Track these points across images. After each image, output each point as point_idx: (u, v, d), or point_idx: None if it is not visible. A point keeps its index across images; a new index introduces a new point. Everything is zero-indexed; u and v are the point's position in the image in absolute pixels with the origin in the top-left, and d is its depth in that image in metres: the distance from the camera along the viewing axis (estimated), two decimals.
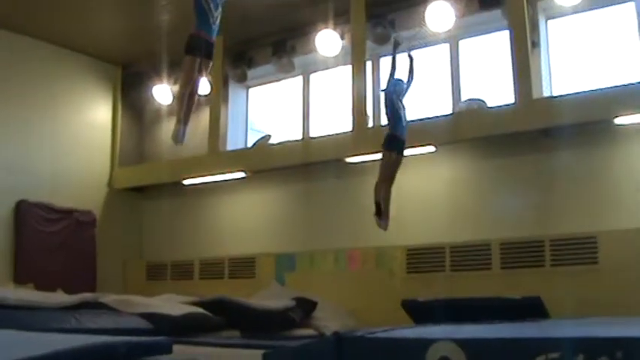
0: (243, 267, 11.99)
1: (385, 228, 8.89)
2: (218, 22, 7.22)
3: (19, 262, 11.73)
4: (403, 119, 8.71)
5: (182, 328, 8.25)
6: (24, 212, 11.88)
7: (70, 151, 12.89)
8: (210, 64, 7.24)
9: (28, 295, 9.47)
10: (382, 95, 9.01)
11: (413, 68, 8.98)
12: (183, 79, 7.18)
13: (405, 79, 8.89)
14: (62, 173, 12.60)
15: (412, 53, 9.15)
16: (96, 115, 13.60)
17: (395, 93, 8.74)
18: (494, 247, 9.69)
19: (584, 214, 9.10)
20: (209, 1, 7.14)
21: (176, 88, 13.25)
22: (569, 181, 9.31)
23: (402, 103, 8.76)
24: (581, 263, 8.93)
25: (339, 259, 10.99)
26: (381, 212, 8.85)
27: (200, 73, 7.09)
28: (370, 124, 10.97)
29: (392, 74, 8.82)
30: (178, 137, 7.33)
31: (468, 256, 9.91)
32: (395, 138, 8.67)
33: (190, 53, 7.03)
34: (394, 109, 8.70)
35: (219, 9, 7.21)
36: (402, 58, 8.98)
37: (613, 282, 8.55)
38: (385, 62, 11.41)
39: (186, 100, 7.12)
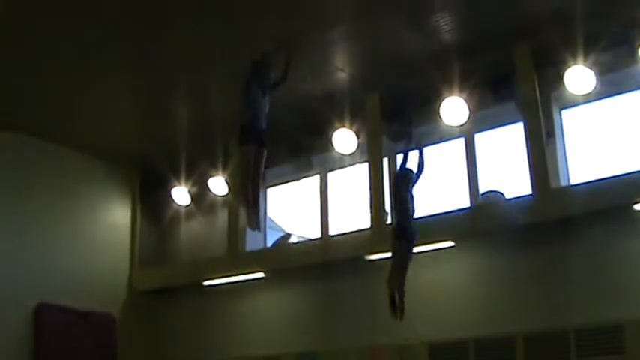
0: None
1: (401, 318, 8.76)
2: (267, 108, 7.28)
3: None
4: (411, 210, 8.71)
5: None
6: (43, 315, 11.83)
7: (89, 253, 12.93)
8: (265, 151, 7.27)
9: None
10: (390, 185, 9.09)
11: (423, 160, 9.02)
12: (243, 171, 7.22)
13: (414, 170, 8.90)
14: (82, 275, 12.60)
15: (422, 146, 9.16)
16: (115, 216, 13.68)
17: (404, 184, 8.77)
18: (518, 341, 9.55)
19: (609, 304, 8.97)
20: (262, 87, 7.20)
21: (193, 189, 13.38)
22: (592, 270, 9.21)
23: (411, 194, 8.77)
24: (607, 353, 8.77)
25: (362, 356, 10.85)
26: (396, 305, 8.69)
27: (257, 162, 7.13)
28: (389, 220, 10.94)
29: (402, 166, 8.92)
30: (254, 223, 7.40)
31: (492, 350, 9.76)
32: (403, 228, 8.65)
33: (244, 144, 7.07)
34: (401, 200, 8.72)
35: (267, 95, 7.29)
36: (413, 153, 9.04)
37: None
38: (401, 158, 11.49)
39: (251, 189, 7.15)
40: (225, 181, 12.79)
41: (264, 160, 7.44)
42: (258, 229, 7.55)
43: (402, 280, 8.78)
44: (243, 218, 12.65)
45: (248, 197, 7.20)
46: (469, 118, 10.43)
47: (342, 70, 10.53)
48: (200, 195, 13.49)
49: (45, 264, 12.11)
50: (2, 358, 11.00)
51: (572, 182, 9.95)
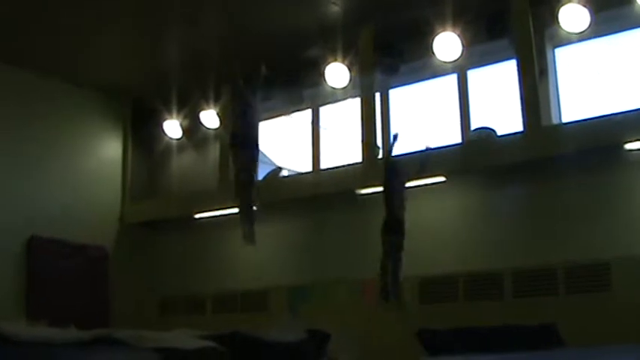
0: (256, 300, 11.96)
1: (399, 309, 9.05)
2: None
3: (32, 298, 11.75)
4: (401, 200, 8.85)
5: None
6: (36, 248, 11.93)
7: (81, 186, 12.97)
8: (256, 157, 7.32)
9: (41, 331, 9.45)
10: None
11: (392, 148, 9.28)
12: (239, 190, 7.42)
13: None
14: (74, 208, 12.66)
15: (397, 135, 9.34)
16: (106, 150, 13.69)
17: (397, 179, 8.96)
18: (506, 276, 9.66)
19: (597, 241, 9.06)
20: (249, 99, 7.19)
21: (185, 122, 13.38)
22: (581, 208, 9.29)
23: (403, 186, 8.90)
24: (594, 290, 8.89)
25: (353, 290, 10.95)
26: (388, 294, 8.90)
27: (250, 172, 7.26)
28: (380, 155, 10.97)
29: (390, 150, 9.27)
30: (249, 238, 8.06)
31: (481, 286, 9.88)
32: (392, 221, 8.87)
33: (232, 148, 7.16)
34: (393, 193, 8.80)
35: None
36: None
37: (626, 308, 8.50)
38: (394, 94, 11.49)
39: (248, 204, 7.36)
40: (217, 114, 12.76)
41: (257, 169, 7.59)
42: (253, 243, 7.74)
43: (396, 270, 8.83)
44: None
45: (247, 215, 7.41)
46: (462, 54, 10.40)
47: (334, 3, 10.46)
48: (192, 128, 13.47)
49: (37, 197, 12.16)
50: None
51: (564, 120, 9.97)
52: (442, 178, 10.17)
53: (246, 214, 7.31)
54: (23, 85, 12.29)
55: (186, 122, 13.44)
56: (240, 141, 7.39)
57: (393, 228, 8.84)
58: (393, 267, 8.95)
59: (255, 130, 7.51)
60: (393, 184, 8.93)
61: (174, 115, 13.34)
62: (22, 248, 11.87)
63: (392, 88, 11.62)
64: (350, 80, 11.36)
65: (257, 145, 7.72)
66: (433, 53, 10.47)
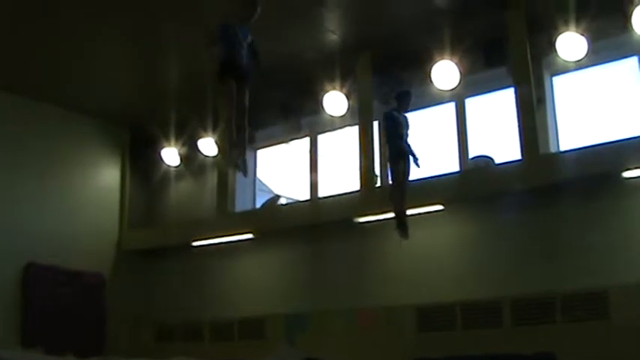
0: (254, 328, 11.90)
1: (407, 237, 8.99)
2: (247, 46, 6.99)
3: (28, 325, 11.70)
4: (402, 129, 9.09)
5: None
6: (33, 275, 11.89)
7: (78, 213, 12.96)
8: (247, 86, 6.98)
9: (37, 358, 9.43)
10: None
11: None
12: (227, 107, 6.94)
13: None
14: (71, 235, 12.63)
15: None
16: (104, 177, 13.68)
17: (393, 125, 9.19)
18: (505, 305, 9.62)
19: (595, 269, 9.02)
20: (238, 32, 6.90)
21: (183, 150, 13.38)
22: (579, 236, 9.25)
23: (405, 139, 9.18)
24: (593, 319, 8.85)
25: (350, 318, 10.90)
26: (404, 225, 8.97)
27: (240, 96, 6.86)
28: (378, 183, 10.97)
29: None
30: (233, 162, 7.17)
31: (479, 314, 9.84)
32: (399, 150, 9.02)
33: (224, 81, 6.79)
34: (391, 136, 9.14)
35: (249, 37, 7.00)
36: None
37: (624, 336, 8.46)
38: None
39: (235, 127, 6.88)
40: (215, 141, 12.77)
41: (247, 96, 7.12)
42: (244, 172, 7.21)
43: (403, 198, 8.97)
44: (232, 179, 12.75)
45: (232, 137, 6.92)
46: (460, 83, 10.41)
47: (333, 32, 10.50)
48: (190, 155, 13.48)
49: (34, 224, 12.14)
50: None
51: (562, 148, 9.98)
52: (440, 207, 10.15)
53: (234, 133, 6.69)
54: (22, 112, 12.32)
55: (184, 150, 13.45)
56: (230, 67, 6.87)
57: (400, 156, 9.00)
58: (401, 196, 9.06)
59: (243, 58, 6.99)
60: (391, 131, 8.97)
61: (173, 142, 13.36)
62: (19, 275, 11.83)
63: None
64: (348, 108, 11.37)
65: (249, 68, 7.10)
66: (431, 81, 10.48)
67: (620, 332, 8.56)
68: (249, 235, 11.94)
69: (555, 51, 9.63)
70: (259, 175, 13.62)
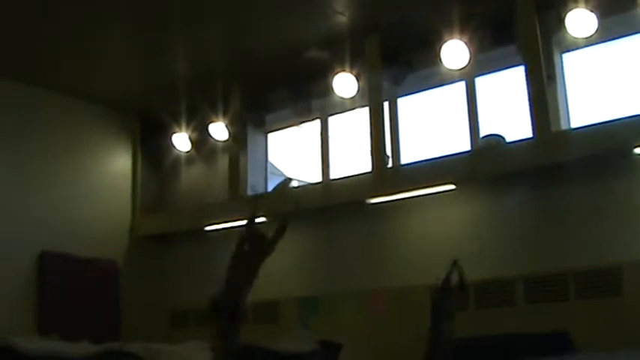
0: (267, 312, 11.90)
1: None
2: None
3: (43, 312, 11.77)
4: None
5: None
6: (47, 263, 11.94)
7: (90, 200, 12.99)
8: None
9: (52, 345, 9.45)
10: None
11: None
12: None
13: None
14: (84, 223, 12.68)
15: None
16: (116, 163, 13.72)
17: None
18: (517, 284, 9.62)
19: (608, 246, 9.01)
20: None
21: (194, 135, 13.39)
22: (591, 213, 9.23)
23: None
24: (606, 295, 8.84)
25: (362, 300, 10.92)
26: None
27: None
28: (390, 164, 10.97)
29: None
30: None
31: (492, 293, 9.83)
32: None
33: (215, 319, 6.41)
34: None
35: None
36: None
37: (638, 313, 8.45)
38: (402, 103, 11.48)
39: None
40: (226, 125, 12.78)
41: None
42: None
43: None
44: (243, 163, 12.77)
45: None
46: (470, 62, 10.37)
47: (341, 13, 10.47)
48: (200, 140, 13.48)
49: (47, 213, 12.18)
50: (7, 307, 11.09)
51: (573, 126, 9.94)
52: (452, 186, 10.13)
53: None
54: (32, 101, 12.33)
55: (194, 135, 13.45)
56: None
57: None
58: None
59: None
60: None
61: (183, 127, 13.36)
62: (33, 263, 11.88)
63: (400, 96, 11.62)
64: (358, 90, 11.35)
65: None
66: (440, 61, 10.45)
67: (633, 309, 8.55)
68: (262, 219, 11.92)
69: (565, 28, 9.58)
70: (270, 158, 13.61)
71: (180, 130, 13.40)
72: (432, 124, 11.51)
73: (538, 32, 9.66)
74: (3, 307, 11.03)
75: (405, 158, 11.26)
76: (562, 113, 9.97)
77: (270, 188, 13.09)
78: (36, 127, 12.35)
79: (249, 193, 12.05)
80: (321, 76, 11.51)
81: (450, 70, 10.57)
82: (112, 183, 13.54)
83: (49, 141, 12.54)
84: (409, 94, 11.68)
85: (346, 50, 11.00)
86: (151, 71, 12.12)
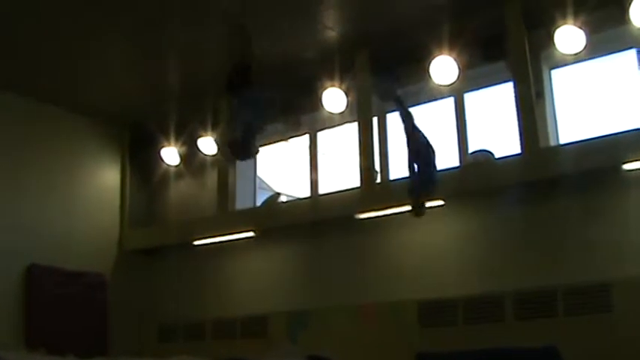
0: (256, 326, 11.87)
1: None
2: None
3: (31, 325, 11.70)
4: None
5: None
6: (35, 276, 11.87)
7: (79, 213, 12.94)
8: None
9: (39, 359, 9.44)
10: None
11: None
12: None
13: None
14: (72, 236, 12.63)
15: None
16: (104, 177, 13.66)
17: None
18: (506, 299, 9.62)
19: (597, 263, 9.02)
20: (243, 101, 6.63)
21: (183, 149, 13.40)
22: (580, 229, 9.24)
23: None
24: (594, 312, 8.85)
25: (352, 314, 10.91)
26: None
27: None
28: (378, 179, 10.99)
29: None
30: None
31: (481, 309, 9.84)
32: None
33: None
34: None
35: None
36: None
37: (628, 329, 8.46)
38: (391, 118, 11.51)
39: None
40: (215, 140, 12.79)
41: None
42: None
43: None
44: (232, 177, 12.78)
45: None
46: (459, 77, 10.42)
47: (331, 29, 10.50)
48: (189, 155, 13.50)
49: (36, 225, 12.11)
50: None
51: (562, 142, 9.99)
52: (441, 202, 10.14)
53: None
54: (20, 111, 12.28)
55: (183, 149, 13.47)
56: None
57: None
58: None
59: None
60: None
61: (172, 141, 13.38)
62: (22, 276, 11.83)
63: (389, 112, 11.64)
64: (347, 105, 11.38)
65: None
66: (430, 77, 10.50)
67: (622, 326, 8.54)
68: (250, 233, 11.95)
69: (554, 44, 9.64)
70: (259, 173, 13.62)
71: (170, 144, 13.42)
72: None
73: (527, 49, 9.70)
74: None
75: (394, 173, 11.26)
76: (550, 129, 10.02)
77: (259, 203, 13.09)
78: (25, 139, 12.31)
79: None
80: (311, 91, 11.53)
81: (439, 85, 10.62)
82: (101, 196, 13.49)
83: (38, 153, 12.50)
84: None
85: (335, 65, 11.04)
86: (141, 85, 12.14)
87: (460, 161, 10.75)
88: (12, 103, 12.19)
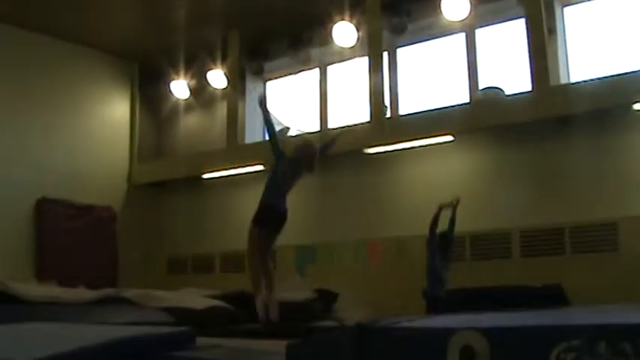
0: None
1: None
2: (289, 189, 6.82)
3: (42, 258, 11.86)
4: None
5: (204, 321, 8.28)
6: (45, 209, 11.99)
7: (88, 147, 12.99)
8: (278, 236, 6.84)
9: (50, 291, 9.55)
10: None
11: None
12: (252, 249, 6.71)
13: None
14: (82, 170, 12.70)
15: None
16: (114, 111, 13.69)
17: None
18: (514, 236, 9.68)
19: (604, 201, 9.06)
20: (283, 172, 6.73)
21: (192, 82, 13.36)
22: (589, 168, 9.27)
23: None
24: (601, 250, 8.90)
25: (359, 250, 10.99)
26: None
27: (267, 244, 6.72)
28: (388, 114, 10.96)
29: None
30: (263, 309, 6.58)
31: (488, 245, 9.90)
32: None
33: (261, 225, 6.61)
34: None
35: (296, 182, 6.84)
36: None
37: (634, 268, 8.52)
38: (402, 53, 11.44)
39: (263, 270, 6.68)
40: (224, 73, 12.75)
41: (274, 243, 6.99)
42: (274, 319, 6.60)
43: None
44: (242, 111, 12.75)
45: (259, 280, 6.66)
46: (470, 13, 10.35)
47: None
48: (199, 88, 13.47)
49: (45, 159, 12.18)
50: (6, 252, 11.15)
51: (573, 80, 9.92)
52: (450, 137, 10.14)
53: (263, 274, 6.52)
54: (30, 48, 12.28)
55: (193, 82, 13.43)
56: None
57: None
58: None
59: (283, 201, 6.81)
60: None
61: (182, 75, 13.33)
62: (32, 210, 11.94)
63: (399, 47, 11.58)
64: (357, 39, 11.31)
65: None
66: (441, 12, 10.43)
67: (629, 263, 8.62)
68: (260, 167, 11.96)
69: None
70: (269, 106, 13.57)
71: (179, 78, 13.38)
72: (431, 76, 11.46)
73: None
74: (2, 251, 11.08)
75: (404, 109, 11.24)
76: (562, 67, 9.95)
77: (267, 137, 13.08)
78: (36, 73, 12.31)
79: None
80: (321, 25, 11.45)
81: (451, 21, 10.55)
82: (110, 130, 13.52)
83: (49, 88, 12.51)
84: (409, 44, 11.62)
85: None
86: (150, 18, 12.04)
87: (470, 97, 10.70)
88: (23, 39, 12.16)
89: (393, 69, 11.55)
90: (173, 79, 13.42)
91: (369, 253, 10.90)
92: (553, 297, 8.18)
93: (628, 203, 8.90)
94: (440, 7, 10.36)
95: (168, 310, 8.75)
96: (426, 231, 9.08)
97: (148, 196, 13.72)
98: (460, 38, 11.06)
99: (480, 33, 10.94)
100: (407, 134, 10.34)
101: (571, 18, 10.19)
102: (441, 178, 10.59)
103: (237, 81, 12.62)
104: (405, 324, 3.27)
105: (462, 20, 10.48)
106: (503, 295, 8.37)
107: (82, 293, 9.77)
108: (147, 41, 12.86)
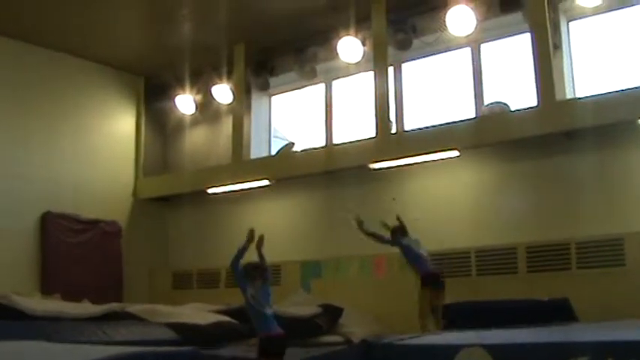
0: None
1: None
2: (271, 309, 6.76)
3: (46, 272, 11.86)
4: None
5: (209, 337, 8.24)
6: (49, 223, 11.99)
7: (94, 161, 13.01)
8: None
9: (55, 305, 9.51)
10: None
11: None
12: None
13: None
14: (87, 184, 12.71)
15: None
16: (120, 125, 13.70)
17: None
18: (520, 251, 9.65)
19: (610, 216, 9.04)
20: (254, 298, 6.70)
21: (198, 97, 13.38)
22: (594, 183, 9.24)
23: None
24: (607, 265, 8.87)
25: (365, 265, 10.97)
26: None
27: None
28: (393, 129, 10.96)
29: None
30: None
31: (494, 260, 9.87)
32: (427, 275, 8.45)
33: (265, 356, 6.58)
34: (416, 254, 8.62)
35: (270, 298, 6.80)
36: None
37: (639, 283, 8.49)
38: (407, 68, 11.45)
39: None
40: (230, 88, 12.76)
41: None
42: None
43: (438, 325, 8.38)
44: (247, 126, 12.76)
45: None
46: (476, 28, 10.35)
47: None
48: (205, 103, 13.47)
49: (51, 173, 12.21)
50: (11, 265, 11.16)
51: (578, 95, 9.91)
52: (456, 153, 10.13)
53: None
54: (38, 62, 12.33)
55: (198, 97, 13.45)
56: None
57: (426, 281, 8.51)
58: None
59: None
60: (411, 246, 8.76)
61: (187, 90, 13.34)
62: (37, 223, 11.94)
63: (405, 62, 11.59)
64: (363, 54, 11.32)
65: None
66: (446, 27, 10.43)
67: (635, 279, 8.58)
68: (265, 182, 11.95)
69: None
70: (274, 121, 13.59)
71: (185, 93, 13.38)
72: (436, 90, 11.46)
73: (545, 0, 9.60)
74: (7, 265, 11.10)
75: (409, 124, 11.24)
76: (567, 82, 9.94)
77: (273, 152, 13.08)
78: (42, 87, 12.35)
79: None
80: (327, 40, 11.47)
81: (456, 36, 10.55)
82: (116, 144, 13.54)
83: (55, 102, 12.55)
84: (414, 59, 11.63)
85: (351, 14, 10.95)
86: (157, 33, 12.08)
87: (476, 112, 10.71)
88: (30, 53, 12.21)
89: (399, 84, 11.55)
90: (179, 94, 13.43)
91: (374, 269, 10.88)
92: (560, 311, 8.15)
93: (634, 218, 8.88)
94: (445, 22, 10.35)
95: (174, 325, 8.69)
96: (433, 247, 9.08)
97: (153, 210, 13.71)
98: (466, 53, 11.07)
99: (486, 48, 10.95)
100: (412, 149, 10.34)
101: (576, 33, 10.19)
102: (447, 193, 10.60)
103: (242, 96, 12.62)
104: (411, 341, 3.26)
105: (468, 35, 10.48)
106: (509, 309, 8.34)
107: (87, 308, 9.71)
108: (153, 56, 12.89)
